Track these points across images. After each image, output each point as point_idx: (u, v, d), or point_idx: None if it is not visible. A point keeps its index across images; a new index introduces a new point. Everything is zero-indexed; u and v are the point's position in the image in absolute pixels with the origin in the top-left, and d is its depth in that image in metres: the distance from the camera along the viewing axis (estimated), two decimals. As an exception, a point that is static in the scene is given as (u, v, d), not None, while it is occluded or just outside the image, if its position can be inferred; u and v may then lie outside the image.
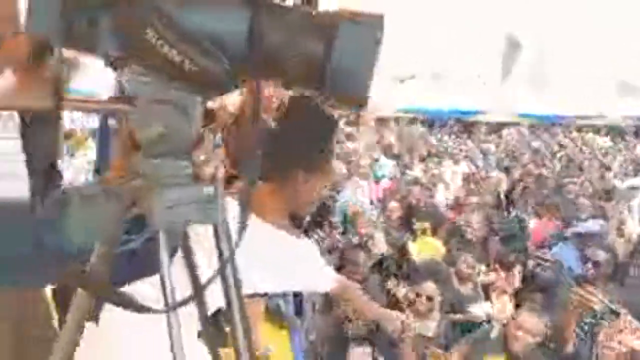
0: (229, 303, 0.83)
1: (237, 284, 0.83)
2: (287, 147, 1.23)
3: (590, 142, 13.62)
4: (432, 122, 18.52)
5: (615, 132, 17.01)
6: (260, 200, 1.17)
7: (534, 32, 20.31)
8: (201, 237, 0.87)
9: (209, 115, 0.82)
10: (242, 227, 0.77)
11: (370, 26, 0.68)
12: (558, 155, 10.34)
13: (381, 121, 17.01)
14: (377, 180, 6.71)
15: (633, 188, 7.05)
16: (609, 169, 9.14)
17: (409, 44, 18.74)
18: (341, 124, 13.37)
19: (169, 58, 0.66)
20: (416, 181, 6.28)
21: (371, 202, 5.58)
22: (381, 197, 6.00)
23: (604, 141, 14.67)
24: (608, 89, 18.83)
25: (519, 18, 20.08)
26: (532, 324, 2.90)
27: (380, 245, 4.20)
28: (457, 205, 5.75)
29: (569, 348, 2.89)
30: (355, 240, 4.27)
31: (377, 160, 7.48)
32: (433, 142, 11.14)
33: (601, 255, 3.95)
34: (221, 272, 0.80)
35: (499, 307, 3.96)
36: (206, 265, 0.88)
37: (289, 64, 0.68)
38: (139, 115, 0.74)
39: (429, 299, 3.20)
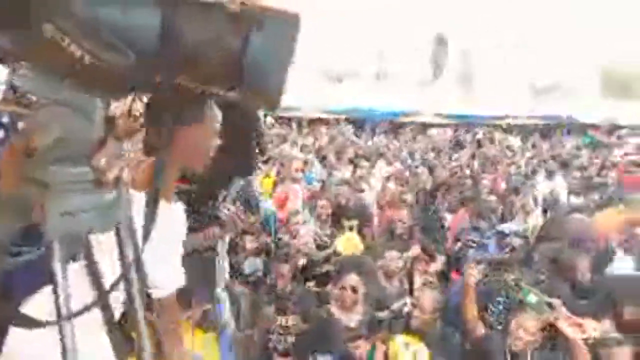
0: (134, 309, 0.80)
1: (142, 290, 0.80)
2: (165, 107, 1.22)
3: (502, 142, 14.66)
4: (364, 122, 18.79)
5: (525, 132, 18.34)
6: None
7: (460, 33, 21.32)
8: (103, 245, 0.84)
9: (110, 121, 0.80)
10: (149, 226, 0.74)
11: (286, 23, 0.66)
12: (477, 154, 11.07)
13: (315, 123, 17.22)
14: (309, 183, 6.74)
15: (534, 182, 7.90)
16: (518, 167, 10.05)
17: (343, 46, 19.11)
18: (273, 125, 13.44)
19: (69, 53, 0.61)
20: (344, 182, 6.42)
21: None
22: (310, 198, 6.08)
23: (516, 141, 15.84)
24: (522, 91, 20.25)
25: (447, 20, 20.99)
26: (429, 301, 3.03)
27: (307, 238, 4.32)
28: (391, 204, 5.96)
29: (478, 331, 2.99)
30: (286, 237, 4.36)
31: (306, 162, 7.45)
32: (360, 144, 11.42)
33: (517, 242, 4.52)
34: (125, 276, 0.77)
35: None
36: (110, 273, 0.85)
37: (208, 61, 0.65)
38: (36, 118, 0.69)
39: (354, 290, 3.26)
